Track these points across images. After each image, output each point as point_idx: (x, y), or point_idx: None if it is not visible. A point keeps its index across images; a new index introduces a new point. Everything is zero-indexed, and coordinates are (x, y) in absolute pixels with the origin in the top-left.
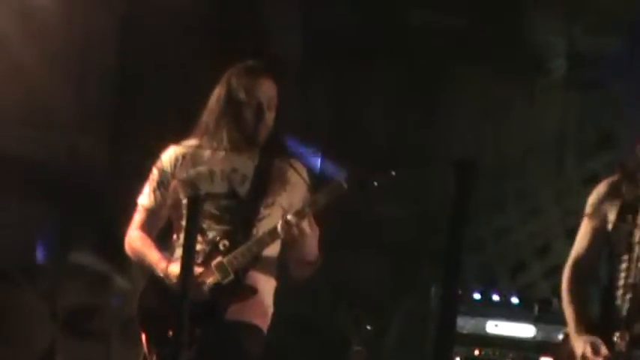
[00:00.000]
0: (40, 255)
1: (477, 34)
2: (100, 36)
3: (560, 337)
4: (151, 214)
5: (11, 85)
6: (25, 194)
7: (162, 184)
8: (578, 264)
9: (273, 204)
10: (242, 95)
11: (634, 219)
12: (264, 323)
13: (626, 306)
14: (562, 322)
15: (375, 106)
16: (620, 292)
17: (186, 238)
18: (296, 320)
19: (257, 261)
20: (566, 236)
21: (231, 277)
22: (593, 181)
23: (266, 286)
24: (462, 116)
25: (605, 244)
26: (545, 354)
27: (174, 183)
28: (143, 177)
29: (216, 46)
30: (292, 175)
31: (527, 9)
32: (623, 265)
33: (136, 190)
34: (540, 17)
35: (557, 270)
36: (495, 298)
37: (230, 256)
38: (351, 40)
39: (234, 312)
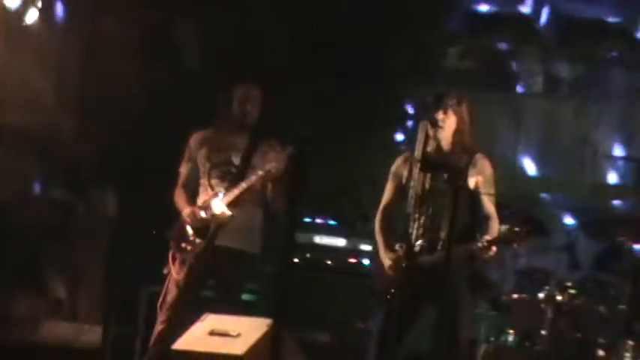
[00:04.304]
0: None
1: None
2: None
3: (369, 248)
4: (186, 177)
5: None
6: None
7: (190, 159)
8: (385, 209)
9: (255, 167)
10: (237, 103)
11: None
12: (256, 250)
13: (415, 232)
14: (364, 236)
15: None
16: (411, 222)
17: None
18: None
19: (246, 194)
20: (370, 189)
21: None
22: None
23: (255, 215)
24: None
25: (403, 194)
26: (351, 257)
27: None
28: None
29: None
30: (269, 149)
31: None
32: (412, 204)
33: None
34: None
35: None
36: (321, 221)
37: (226, 195)
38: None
39: (229, 239)
